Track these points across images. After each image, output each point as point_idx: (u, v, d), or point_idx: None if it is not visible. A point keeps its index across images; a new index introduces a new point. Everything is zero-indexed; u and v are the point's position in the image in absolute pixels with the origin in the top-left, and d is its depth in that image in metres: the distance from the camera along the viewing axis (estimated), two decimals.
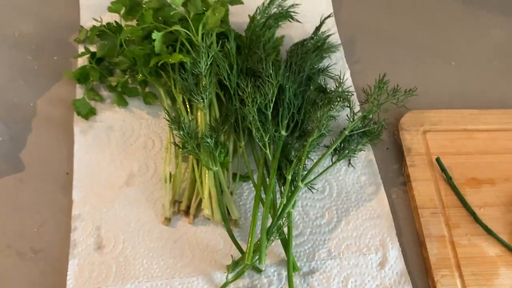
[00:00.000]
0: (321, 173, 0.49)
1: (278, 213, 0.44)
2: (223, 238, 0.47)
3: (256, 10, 0.57)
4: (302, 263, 0.47)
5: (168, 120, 0.48)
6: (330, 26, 0.63)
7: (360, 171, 0.52)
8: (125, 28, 0.52)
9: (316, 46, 0.58)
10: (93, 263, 0.45)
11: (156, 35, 0.50)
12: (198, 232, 0.48)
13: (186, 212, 0.48)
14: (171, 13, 0.52)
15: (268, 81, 0.48)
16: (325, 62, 0.58)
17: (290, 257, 0.44)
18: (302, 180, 0.46)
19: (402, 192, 0.52)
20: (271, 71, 0.48)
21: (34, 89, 0.54)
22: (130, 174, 0.50)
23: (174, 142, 0.49)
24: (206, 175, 0.47)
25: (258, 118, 0.47)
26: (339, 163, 0.51)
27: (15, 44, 0.57)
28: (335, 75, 0.52)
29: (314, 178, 0.47)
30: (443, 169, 0.51)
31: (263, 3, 0.57)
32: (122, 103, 0.54)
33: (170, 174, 0.49)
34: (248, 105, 0.48)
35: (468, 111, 0.56)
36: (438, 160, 0.52)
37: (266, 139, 0.47)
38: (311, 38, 0.59)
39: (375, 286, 0.46)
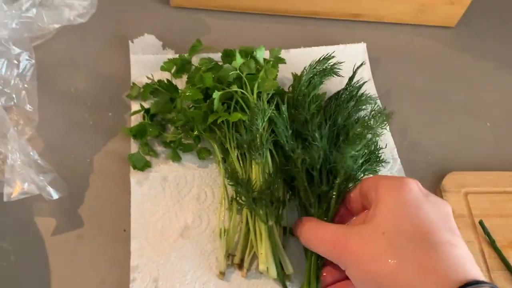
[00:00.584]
0: None
1: None
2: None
3: (303, 71, 0.60)
4: None
5: (226, 176, 0.50)
6: (367, 79, 0.65)
7: None
8: (186, 92, 0.55)
9: (350, 96, 0.60)
10: None
11: (216, 95, 0.53)
12: (251, 285, 0.49)
13: (240, 266, 0.50)
14: (230, 74, 0.54)
15: (315, 144, 0.50)
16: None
17: None
18: None
19: None
20: (316, 135, 0.51)
21: (90, 145, 0.56)
22: (185, 226, 0.52)
23: (235, 198, 0.51)
24: (262, 229, 0.48)
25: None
26: None
27: (71, 100, 0.59)
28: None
29: None
30: (486, 232, 0.53)
31: (310, 64, 0.60)
32: (177, 158, 0.56)
33: (224, 228, 0.51)
34: (297, 167, 0.50)
35: (507, 173, 0.58)
36: (481, 223, 0.54)
37: (312, 200, 0.49)
38: (345, 89, 0.60)
39: None
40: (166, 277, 0.49)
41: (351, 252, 0.40)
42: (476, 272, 0.36)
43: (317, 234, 0.44)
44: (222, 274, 0.49)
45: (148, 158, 0.55)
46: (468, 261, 0.37)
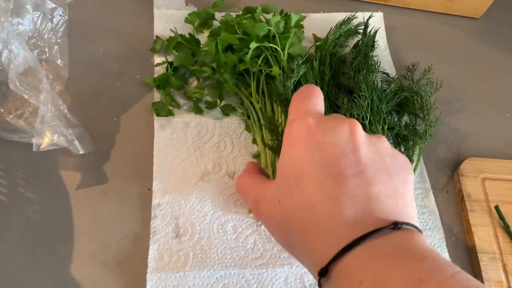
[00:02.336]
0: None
1: None
2: None
3: (330, 31, 0.61)
4: None
5: (265, 124, 0.52)
6: (383, 47, 0.68)
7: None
8: (223, 36, 0.56)
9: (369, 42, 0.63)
10: (172, 250, 0.49)
11: (253, 45, 0.54)
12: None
13: None
14: (264, 28, 0.55)
15: (362, 94, 0.53)
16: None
17: None
18: None
19: (461, 235, 0.54)
20: (363, 85, 0.54)
21: (117, 105, 0.57)
22: (205, 171, 0.54)
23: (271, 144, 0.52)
24: None
25: None
26: None
27: (99, 60, 0.60)
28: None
29: None
30: (501, 217, 0.54)
31: (336, 25, 0.62)
32: (199, 111, 0.57)
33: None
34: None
35: None
36: (497, 208, 0.55)
37: None
38: (361, 39, 0.63)
39: None
40: (186, 216, 0.51)
41: (259, 212, 0.39)
42: (363, 222, 0.32)
43: (244, 186, 0.42)
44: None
45: (171, 108, 0.57)
46: (355, 213, 0.32)
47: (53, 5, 0.55)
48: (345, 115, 0.54)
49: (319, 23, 0.67)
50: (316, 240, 0.32)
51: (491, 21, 0.74)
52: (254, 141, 0.56)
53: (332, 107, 0.56)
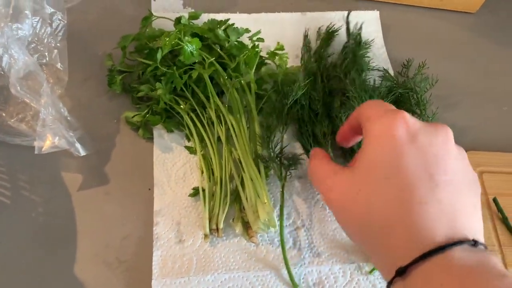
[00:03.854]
0: None
1: None
2: (292, 237, 0.52)
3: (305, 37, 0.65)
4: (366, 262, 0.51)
5: (259, 140, 0.53)
6: (379, 46, 0.68)
7: None
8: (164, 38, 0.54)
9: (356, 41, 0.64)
10: (175, 255, 0.49)
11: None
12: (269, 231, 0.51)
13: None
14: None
15: (352, 95, 0.55)
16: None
17: None
18: None
19: None
20: (351, 86, 0.56)
21: (116, 107, 0.58)
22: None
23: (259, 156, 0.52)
24: (262, 183, 0.50)
25: None
26: None
27: (98, 63, 0.60)
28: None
29: None
30: (499, 209, 0.55)
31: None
32: (147, 134, 0.56)
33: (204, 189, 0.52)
34: (340, 118, 0.55)
35: None
36: (495, 200, 0.55)
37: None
38: (347, 41, 0.65)
39: None
40: (188, 221, 0.51)
41: (331, 199, 0.38)
42: (447, 231, 0.32)
43: (317, 170, 0.41)
44: (207, 237, 0.50)
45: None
46: (440, 220, 0.32)
47: (52, 10, 0.55)
48: (339, 117, 0.54)
49: (316, 21, 0.68)
50: (399, 238, 0.33)
51: (487, 15, 0.74)
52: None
53: (327, 113, 0.57)
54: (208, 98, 0.55)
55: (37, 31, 0.54)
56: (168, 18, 0.60)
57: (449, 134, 0.36)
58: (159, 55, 0.53)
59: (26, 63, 0.50)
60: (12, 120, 0.54)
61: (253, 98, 0.56)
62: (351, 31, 0.66)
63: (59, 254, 0.49)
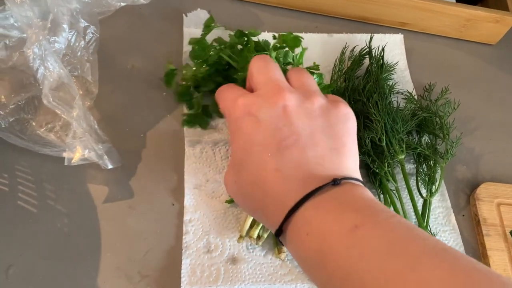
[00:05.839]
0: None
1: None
2: None
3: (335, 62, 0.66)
4: None
5: None
6: (403, 68, 0.70)
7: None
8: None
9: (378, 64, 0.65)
10: (203, 265, 0.50)
11: None
12: None
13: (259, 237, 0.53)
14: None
15: (375, 118, 0.56)
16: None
17: None
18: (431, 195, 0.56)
19: (476, 259, 0.56)
20: (374, 109, 0.57)
21: (144, 121, 0.58)
22: None
23: None
24: None
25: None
26: None
27: (128, 77, 0.61)
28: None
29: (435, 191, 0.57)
30: None
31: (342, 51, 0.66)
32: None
33: None
34: (365, 141, 0.56)
35: None
36: (511, 233, 0.56)
37: (386, 168, 0.55)
38: (370, 63, 0.66)
39: None
40: (217, 232, 0.52)
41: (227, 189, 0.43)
42: (302, 185, 0.36)
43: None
44: (241, 239, 0.52)
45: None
46: (294, 179, 0.37)
47: (86, 24, 0.56)
48: (363, 140, 0.56)
49: (343, 43, 0.69)
50: (269, 209, 0.37)
51: (506, 48, 0.75)
52: None
53: None
54: None
55: (72, 44, 0.55)
56: (226, 27, 0.64)
57: (286, 100, 0.39)
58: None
59: (60, 75, 0.51)
60: (42, 130, 0.54)
61: None
62: (373, 54, 0.67)
63: (81, 265, 0.49)
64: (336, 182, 0.35)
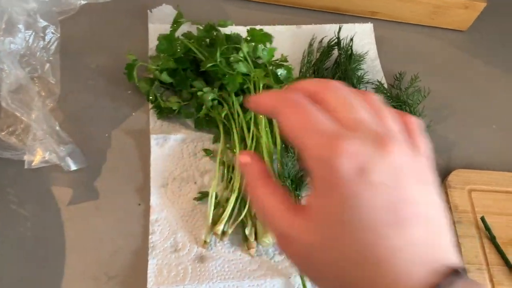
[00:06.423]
0: None
1: None
2: None
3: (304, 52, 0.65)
4: None
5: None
6: (373, 58, 0.69)
7: None
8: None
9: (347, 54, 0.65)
10: (170, 264, 0.49)
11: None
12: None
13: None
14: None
15: None
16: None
17: None
18: None
19: None
20: None
21: (109, 121, 0.58)
22: (202, 185, 0.55)
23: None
24: None
25: None
26: None
27: (92, 76, 0.60)
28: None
29: None
30: (487, 228, 0.55)
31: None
32: (199, 125, 0.59)
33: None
34: None
35: (509, 174, 0.60)
36: (483, 219, 0.56)
37: None
38: (339, 54, 0.65)
39: None
40: (184, 230, 0.52)
41: (291, 254, 0.32)
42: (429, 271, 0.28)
43: (268, 210, 0.32)
44: (206, 244, 0.51)
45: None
46: (419, 262, 0.29)
47: (45, 23, 0.55)
48: None
49: (310, 34, 0.69)
50: None
51: (477, 34, 0.75)
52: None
53: None
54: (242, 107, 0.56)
55: (30, 45, 0.54)
56: (195, 22, 0.62)
57: (397, 154, 0.29)
58: (218, 55, 0.55)
59: (18, 76, 0.50)
60: (3, 133, 0.53)
61: None
62: (342, 44, 0.66)
63: (46, 269, 0.48)
64: (458, 272, 0.28)
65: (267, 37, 0.60)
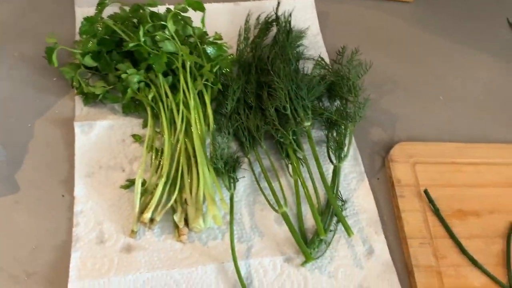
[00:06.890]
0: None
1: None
2: (221, 233, 0.50)
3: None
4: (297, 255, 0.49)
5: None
6: (316, 33, 0.67)
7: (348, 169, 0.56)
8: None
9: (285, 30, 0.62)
10: (95, 256, 0.47)
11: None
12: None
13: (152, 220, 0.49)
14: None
15: (278, 86, 0.53)
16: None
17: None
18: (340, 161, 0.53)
19: (391, 222, 0.53)
20: (277, 77, 0.54)
21: (31, 110, 0.55)
22: (131, 172, 0.52)
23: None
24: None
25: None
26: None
27: (14, 65, 0.57)
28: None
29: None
30: (430, 201, 0.53)
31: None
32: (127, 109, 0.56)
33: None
34: (269, 110, 0.53)
35: (454, 144, 0.59)
36: (426, 192, 0.54)
37: (291, 137, 0.52)
38: (278, 30, 0.63)
39: (363, 275, 0.49)
40: (111, 220, 0.49)
41: None
42: None
43: None
44: (134, 233, 0.48)
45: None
46: None
47: None
48: (267, 110, 0.53)
49: (250, 11, 0.66)
50: None
51: (423, 5, 0.73)
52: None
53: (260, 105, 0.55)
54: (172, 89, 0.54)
55: None
56: (124, 3, 0.59)
57: None
58: (141, 33, 0.52)
59: None
60: None
61: (209, 96, 0.55)
62: (281, 20, 0.64)
63: None
64: None
65: (199, 5, 0.57)
